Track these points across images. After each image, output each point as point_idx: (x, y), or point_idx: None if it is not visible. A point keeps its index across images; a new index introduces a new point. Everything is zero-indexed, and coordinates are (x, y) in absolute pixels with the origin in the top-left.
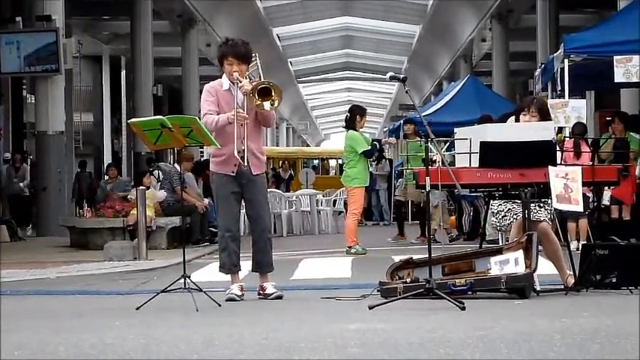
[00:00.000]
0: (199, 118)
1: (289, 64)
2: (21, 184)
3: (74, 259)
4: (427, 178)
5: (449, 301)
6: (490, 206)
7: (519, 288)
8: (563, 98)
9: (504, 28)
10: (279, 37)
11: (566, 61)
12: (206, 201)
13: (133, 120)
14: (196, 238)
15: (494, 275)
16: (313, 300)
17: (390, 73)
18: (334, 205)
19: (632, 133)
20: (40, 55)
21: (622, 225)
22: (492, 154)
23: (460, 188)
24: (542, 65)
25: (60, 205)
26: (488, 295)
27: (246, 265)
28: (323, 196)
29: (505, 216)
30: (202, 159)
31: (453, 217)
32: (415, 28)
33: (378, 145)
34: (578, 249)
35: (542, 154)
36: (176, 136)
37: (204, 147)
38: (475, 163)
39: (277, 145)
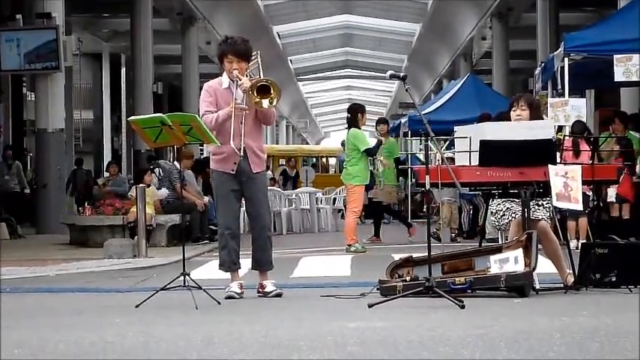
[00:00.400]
0: (199, 116)
1: (289, 62)
2: (9, 180)
3: (74, 256)
4: (427, 177)
5: (448, 299)
6: (489, 206)
7: (519, 286)
8: (563, 97)
9: (504, 26)
10: (279, 35)
11: (566, 59)
12: (206, 199)
13: (133, 117)
14: (196, 235)
15: (493, 274)
16: (313, 298)
17: (390, 72)
18: (334, 203)
19: (631, 132)
20: (40, 52)
21: (622, 224)
22: (492, 152)
23: (460, 187)
24: (542, 64)
25: (60, 202)
26: (487, 293)
27: (245, 263)
28: (323, 194)
29: (504, 215)
30: (202, 157)
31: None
32: (415, 27)
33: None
34: (577, 248)
35: (541, 152)
36: (176, 133)
37: (204, 145)
38: (475, 161)
39: (277, 143)
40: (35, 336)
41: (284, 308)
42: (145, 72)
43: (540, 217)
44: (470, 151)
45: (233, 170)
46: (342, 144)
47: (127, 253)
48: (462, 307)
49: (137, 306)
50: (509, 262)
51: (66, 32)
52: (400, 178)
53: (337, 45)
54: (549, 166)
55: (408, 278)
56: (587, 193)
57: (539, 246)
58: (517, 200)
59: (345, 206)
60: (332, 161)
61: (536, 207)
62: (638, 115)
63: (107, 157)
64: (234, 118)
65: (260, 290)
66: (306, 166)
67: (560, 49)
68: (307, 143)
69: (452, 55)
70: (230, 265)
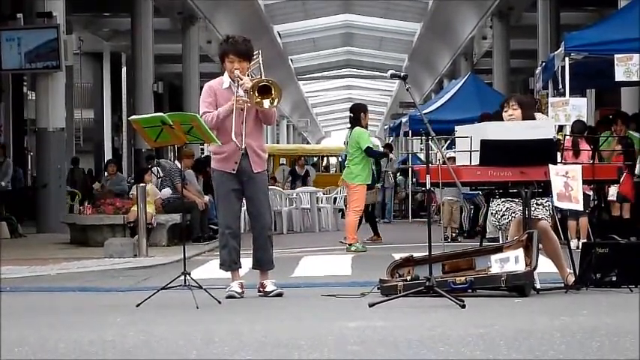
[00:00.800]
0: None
1: (290, 61)
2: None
3: (74, 255)
4: (427, 176)
5: (449, 298)
6: (490, 206)
7: (519, 286)
8: (564, 96)
9: (505, 25)
10: (279, 34)
11: (566, 59)
12: (206, 198)
13: (134, 117)
14: (197, 235)
15: (494, 273)
16: (313, 298)
17: (391, 71)
18: (334, 202)
19: (631, 132)
20: (40, 51)
21: (622, 223)
22: (493, 152)
23: (460, 186)
24: (543, 63)
25: (60, 201)
26: (488, 293)
27: (246, 263)
28: (323, 194)
29: (504, 215)
30: (203, 156)
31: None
32: (416, 26)
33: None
34: (578, 247)
35: (542, 152)
36: (176, 133)
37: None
38: (475, 161)
39: (278, 143)
40: (35, 335)
41: (284, 308)
42: (146, 71)
43: (540, 216)
44: (470, 151)
45: (234, 170)
46: (345, 143)
47: (127, 252)
48: (463, 306)
49: (138, 305)
50: (509, 262)
51: (67, 31)
52: (400, 177)
53: (338, 44)
54: (550, 165)
55: (408, 278)
56: (588, 192)
57: (540, 245)
58: (517, 200)
59: (345, 206)
60: (333, 160)
61: (536, 206)
62: (638, 115)
63: (108, 156)
64: (235, 117)
65: (261, 290)
66: (307, 166)
67: (560, 49)
68: (308, 142)
69: (452, 54)
70: (231, 264)
